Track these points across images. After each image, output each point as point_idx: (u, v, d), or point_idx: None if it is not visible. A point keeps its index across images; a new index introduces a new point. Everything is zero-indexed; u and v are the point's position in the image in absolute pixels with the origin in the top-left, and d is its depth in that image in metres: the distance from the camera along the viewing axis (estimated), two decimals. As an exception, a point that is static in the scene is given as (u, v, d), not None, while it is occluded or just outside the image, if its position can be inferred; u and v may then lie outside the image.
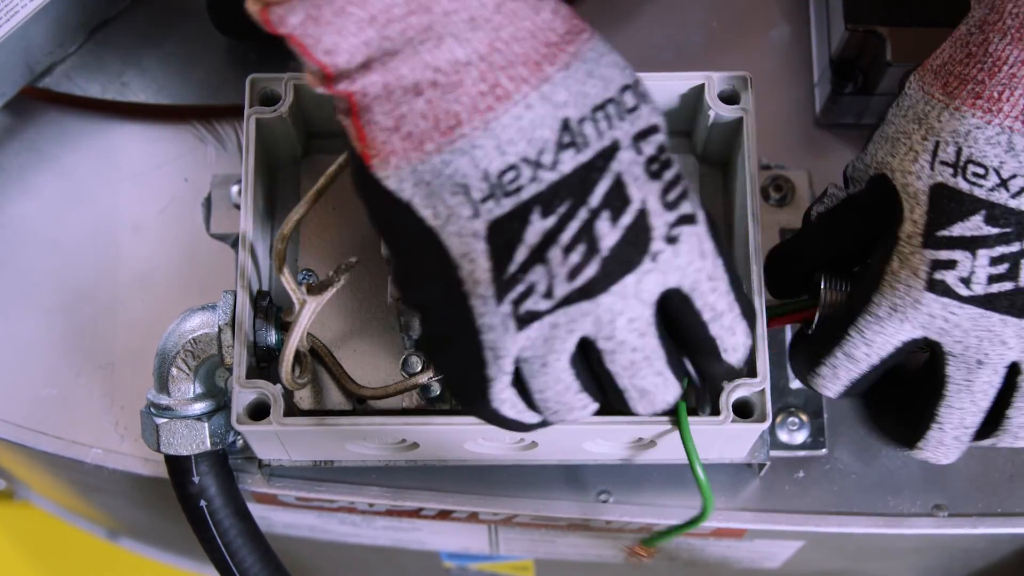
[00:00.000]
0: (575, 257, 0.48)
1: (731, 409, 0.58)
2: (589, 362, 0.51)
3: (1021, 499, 0.66)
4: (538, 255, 0.48)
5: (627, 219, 0.49)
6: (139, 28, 0.74)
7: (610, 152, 0.49)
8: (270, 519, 0.76)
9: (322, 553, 0.88)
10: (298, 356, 0.60)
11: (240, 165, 0.62)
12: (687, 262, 0.50)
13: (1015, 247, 0.54)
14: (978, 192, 0.54)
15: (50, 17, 0.69)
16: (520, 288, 0.48)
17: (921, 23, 0.66)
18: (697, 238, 0.50)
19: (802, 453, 0.66)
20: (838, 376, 0.57)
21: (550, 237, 0.48)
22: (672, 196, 0.49)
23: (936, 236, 0.54)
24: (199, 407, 0.61)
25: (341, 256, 0.65)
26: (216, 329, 0.60)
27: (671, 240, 0.49)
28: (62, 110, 0.73)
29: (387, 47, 0.47)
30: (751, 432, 0.60)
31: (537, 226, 0.48)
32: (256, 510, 0.65)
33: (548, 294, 0.48)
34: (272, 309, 0.61)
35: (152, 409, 0.61)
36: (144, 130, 0.73)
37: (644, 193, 0.49)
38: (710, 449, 0.62)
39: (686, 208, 0.50)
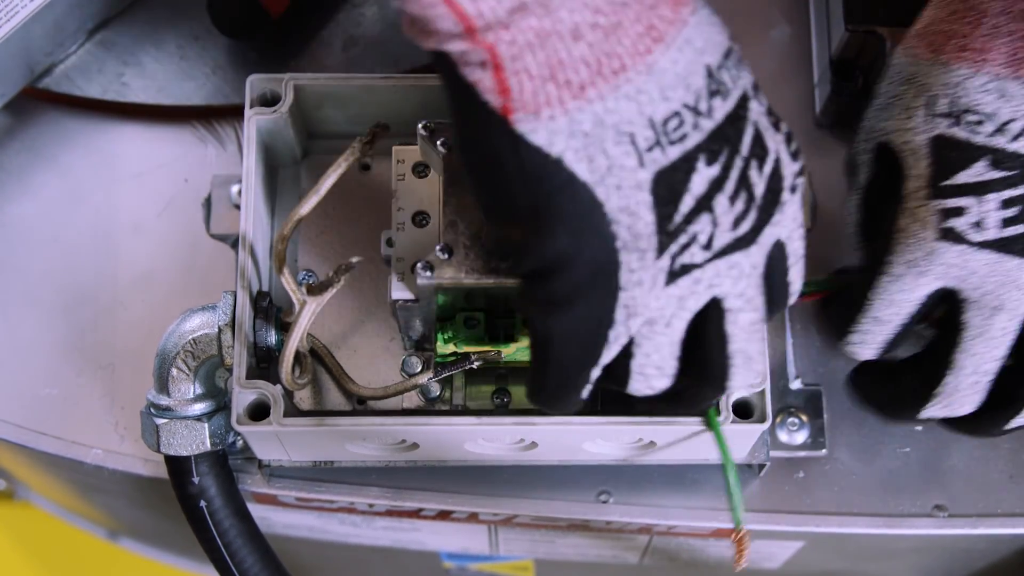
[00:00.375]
0: (740, 205, 0.48)
1: (731, 410, 0.58)
2: (699, 333, 0.50)
3: (1021, 499, 0.66)
4: (705, 204, 0.47)
5: (768, 168, 0.49)
6: (139, 28, 0.74)
7: (744, 101, 0.48)
8: (270, 519, 0.76)
9: (322, 553, 0.88)
10: (298, 356, 0.60)
11: (240, 165, 0.62)
12: (796, 214, 0.51)
13: (1022, 190, 0.54)
14: (977, 139, 0.54)
15: (50, 17, 0.69)
16: (683, 240, 0.47)
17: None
18: (801, 190, 0.51)
19: (802, 453, 0.66)
20: (869, 341, 0.57)
21: (716, 185, 0.47)
22: (793, 147, 0.50)
23: (941, 186, 0.54)
24: (199, 407, 0.61)
25: (341, 256, 0.65)
26: (216, 329, 0.60)
27: (793, 190, 0.50)
28: (62, 110, 0.73)
29: None
30: (751, 433, 0.60)
31: (704, 174, 0.47)
32: (256, 510, 0.65)
33: (708, 245, 0.48)
34: (272, 309, 0.61)
35: (152, 409, 0.61)
36: (144, 130, 0.73)
37: (776, 143, 0.49)
38: (710, 449, 0.62)
39: (802, 160, 0.50)
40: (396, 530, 0.78)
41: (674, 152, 0.46)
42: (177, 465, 0.62)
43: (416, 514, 0.70)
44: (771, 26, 0.74)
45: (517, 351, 0.60)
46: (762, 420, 0.58)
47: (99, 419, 0.68)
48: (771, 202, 0.49)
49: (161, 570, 1.09)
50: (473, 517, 0.69)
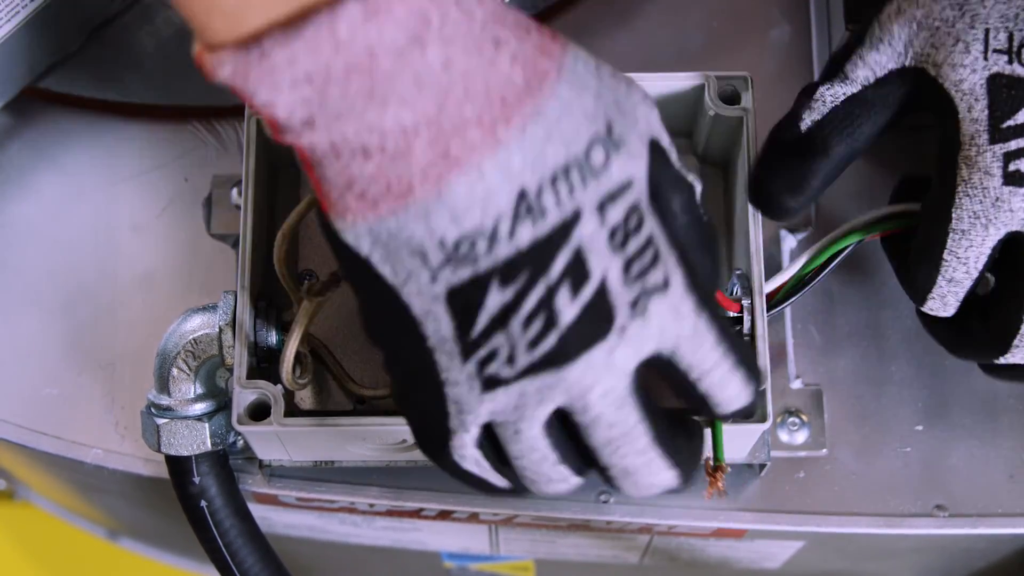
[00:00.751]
0: (534, 329, 0.46)
1: (731, 409, 0.58)
2: (573, 436, 0.49)
3: (1021, 499, 0.66)
4: (499, 323, 0.46)
5: (587, 294, 0.46)
6: (139, 28, 0.74)
7: (571, 223, 0.46)
8: (270, 519, 0.76)
9: (322, 553, 0.88)
10: (298, 356, 0.60)
11: (240, 165, 0.62)
12: (659, 331, 0.47)
13: None
14: None
15: (50, 17, 0.69)
16: (483, 352, 0.46)
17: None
18: (670, 304, 0.47)
19: (802, 453, 0.66)
20: (948, 302, 0.57)
21: (509, 308, 0.46)
22: (637, 268, 0.47)
23: (1003, 128, 0.53)
24: (200, 407, 0.61)
25: (341, 256, 0.65)
26: (216, 329, 0.60)
27: (639, 312, 0.46)
28: (62, 110, 0.73)
29: (330, 106, 0.44)
30: (752, 433, 0.60)
31: (495, 297, 0.46)
32: (256, 510, 0.65)
33: (511, 361, 0.46)
34: (272, 310, 0.61)
35: (153, 409, 0.61)
36: (144, 130, 0.73)
37: (605, 266, 0.46)
38: (710, 449, 0.62)
39: (655, 277, 0.47)
40: (396, 530, 0.78)
41: (465, 273, 0.46)
42: (177, 465, 0.62)
43: (416, 514, 0.70)
44: (771, 26, 0.74)
45: (517, 351, 0.60)
46: (762, 420, 0.58)
47: (99, 419, 0.68)
48: (595, 327, 0.46)
49: (161, 570, 1.09)
50: (473, 517, 0.69)
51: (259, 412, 0.59)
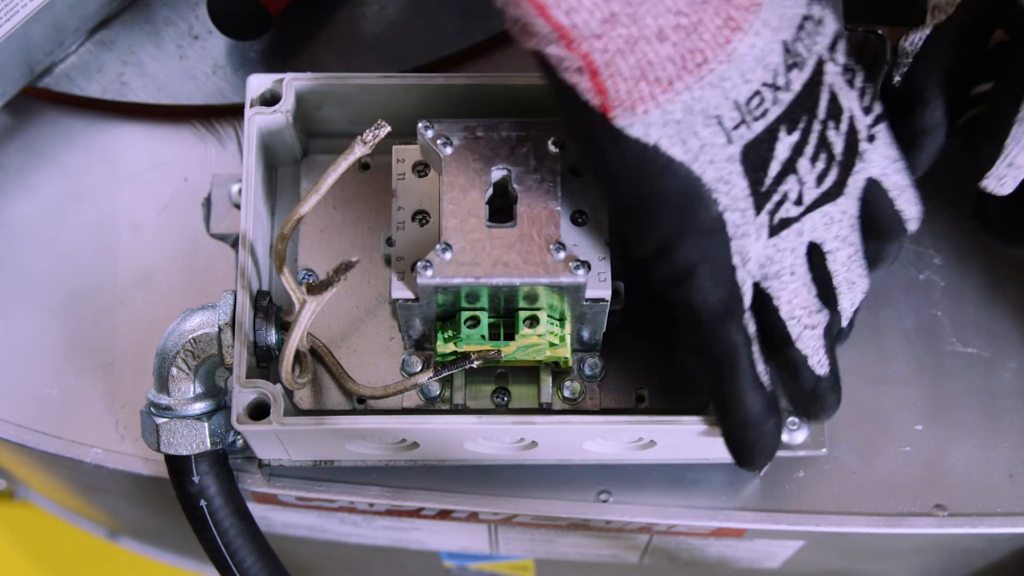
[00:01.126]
0: (820, 165, 0.54)
1: (731, 409, 0.58)
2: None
3: (1021, 499, 0.66)
4: (789, 167, 0.53)
5: (844, 126, 0.54)
6: (139, 28, 0.74)
7: (820, 67, 0.53)
8: (270, 519, 0.76)
9: (322, 553, 0.88)
10: (298, 356, 0.60)
11: (240, 165, 0.62)
12: (882, 155, 0.56)
13: None
14: None
15: (50, 17, 0.69)
16: (776, 198, 0.53)
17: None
18: (886, 132, 0.56)
19: (802, 453, 0.66)
20: (1007, 184, 0.59)
21: (798, 150, 0.53)
22: (867, 100, 0.55)
23: None
24: (199, 407, 0.61)
25: (341, 256, 0.65)
26: (216, 329, 0.60)
27: (871, 139, 0.55)
28: (62, 110, 0.73)
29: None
30: (751, 432, 0.60)
31: (785, 142, 0.53)
32: (256, 510, 0.65)
33: (799, 201, 0.54)
34: (272, 309, 0.61)
35: (152, 409, 0.61)
36: (144, 130, 0.73)
37: (850, 101, 0.54)
38: (710, 449, 0.62)
39: (877, 109, 0.56)
40: (396, 529, 0.78)
41: (758, 127, 0.52)
42: (177, 464, 0.62)
43: (416, 513, 0.70)
44: (771, 26, 0.74)
45: (517, 351, 0.60)
46: (762, 419, 0.58)
47: (99, 419, 0.68)
48: (851, 155, 0.55)
49: (161, 570, 1.09)
50: (473, 517, 0.69)
51: (258, 411, 0.59)
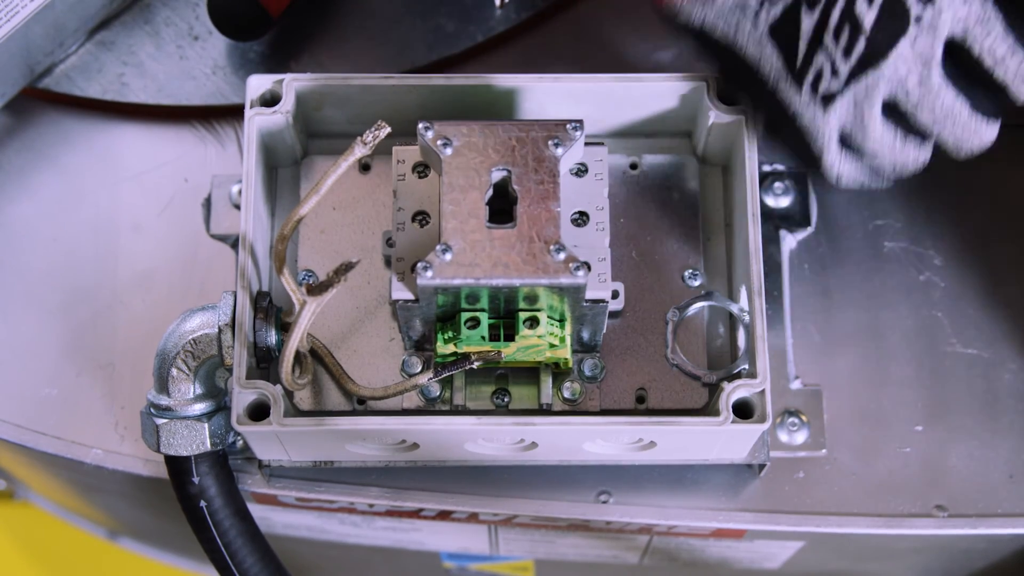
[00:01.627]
0: (844, 37, 0.56)
1: (731, 410, 0.58)
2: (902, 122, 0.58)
3: (1021, 499, 0.66)
4: (816, 42, 0.57)
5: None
6: (139, 28, 0.74)
7: None
8: (270, 519, 0.76)
9: (322, 553, 0.88)
10: (298, 356, 0.60)
11: (240, 165, 0.62)
12: (951, 15, 0.56)
13: None
14: None
15: (50, 17, 0.69)
16: (811, 74, 0.57)
17: None
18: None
19: (802, 454, 0.66)
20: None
21: (820, 25, 0.56)
22: None
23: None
24: (199, 408, 0.61)
25: (341, 256, 0.65)
26: (216, 329, 0.60)
27: (928, 1, 0.56)
28: (62, 110, 0.73)
29: None
30: (751, 433, 0.60)
31: (807, 20, 0.56)
32: (256, 510, 0.65)
33: (835, 73, 0.57)
34: (272, 309, 0.61)
35: (152, 410, 0.61)
36: (144, 130, 0.73)
37: None
38: (710, 450, 0.62)
39: None
40: (396, 530, 0.78)
41: (777, 9, 0.57)
42: (177, 465, 0.62)
43: (416, 514, 0.70)
44: (771, 26, 0.74)
45: (517, 351, 0.60)
46: (762, 420, 0.58)
47: (99, 419, 0.68)
48: (895, 23, 0.56)
49: (161, 570, 1.09)
50: (473, 517, 0.69)
51: (258, 412, 0.59)
